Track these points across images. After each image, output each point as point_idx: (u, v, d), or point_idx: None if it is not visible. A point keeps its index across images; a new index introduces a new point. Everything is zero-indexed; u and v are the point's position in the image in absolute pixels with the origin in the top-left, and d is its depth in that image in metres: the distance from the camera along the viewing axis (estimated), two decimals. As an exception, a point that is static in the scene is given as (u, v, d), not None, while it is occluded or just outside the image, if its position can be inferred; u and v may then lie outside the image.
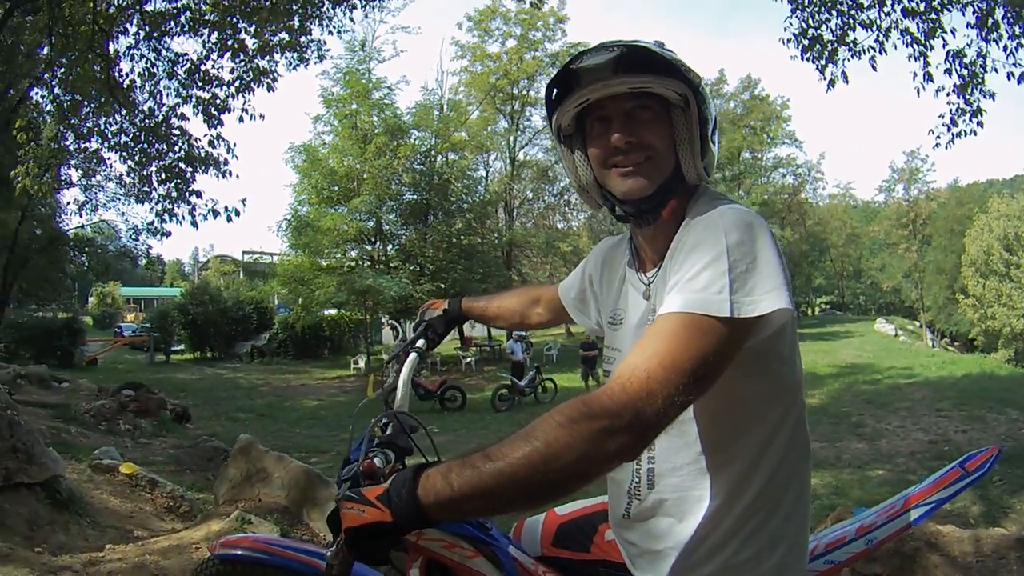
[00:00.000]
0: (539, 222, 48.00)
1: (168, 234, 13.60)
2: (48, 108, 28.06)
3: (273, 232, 41.31)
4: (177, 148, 12.64)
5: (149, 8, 12.16)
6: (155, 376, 30.65)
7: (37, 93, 19.44)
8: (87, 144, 14.63)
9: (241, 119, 12.31)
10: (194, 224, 12.93)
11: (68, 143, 14.52)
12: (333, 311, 41.08)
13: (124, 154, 12.92)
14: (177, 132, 12.54)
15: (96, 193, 33.64)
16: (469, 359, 35.35)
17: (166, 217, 13.06)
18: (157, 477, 8.69)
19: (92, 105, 12.53)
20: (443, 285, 34.87)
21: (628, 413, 1.51)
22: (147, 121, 12.50)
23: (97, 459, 8.98)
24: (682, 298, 1.65)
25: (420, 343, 3.13)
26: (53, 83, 12.90)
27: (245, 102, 12.31)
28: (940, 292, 64.09)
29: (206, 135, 12.46)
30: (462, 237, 36.94)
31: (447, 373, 31.69)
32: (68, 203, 34.85)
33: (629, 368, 1.57)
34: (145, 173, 12.85)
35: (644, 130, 1.91)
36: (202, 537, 6.06)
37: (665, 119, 1.92)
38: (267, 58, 12.18)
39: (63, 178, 30.90)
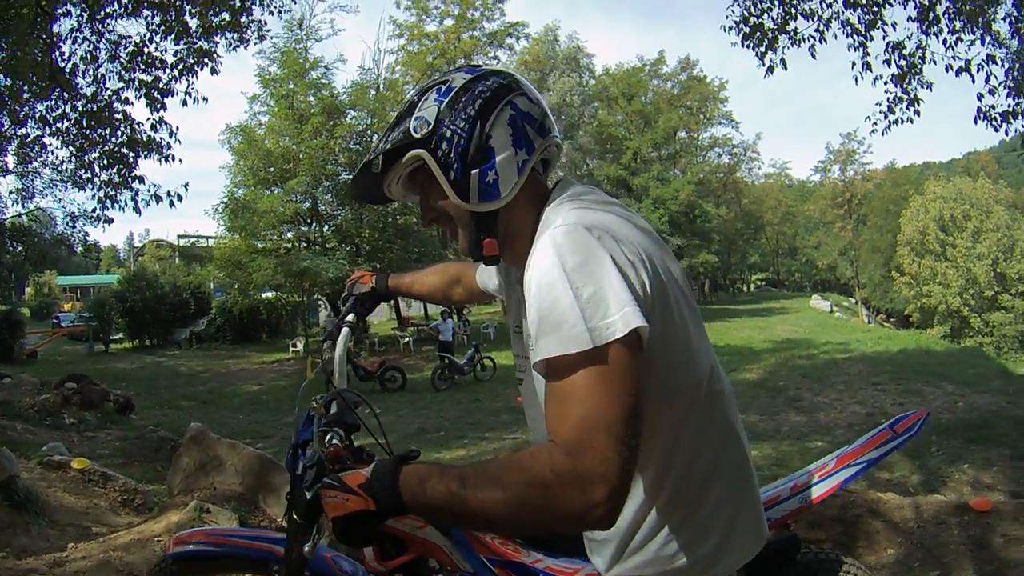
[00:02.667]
0: None
1: (111, 221, 13.53)
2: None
3: (209, 215, 40.97)
4: (120, 133, 12.53)
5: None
6: (96, 367, 30.24)
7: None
8: (24, 130, 14.45)
9: (185, 103, 12.25)
10: (136, 210, 12.86)
11: (4, 128, 14.38)
12: (270, 294, 40.67)
13: (65, 139, 12.85)
14: (120, 117, 12.43)
15: (33, 180, 33.28)
16: (407, 339, 35.46)
17: (108, 204, 13.03)
18: (109, 471, 8.64)
19: (33, 90, 12.43)
20: (379, 265, 34.60)
21: (597, 489, 1.54)
22: (89, 106, 12.38)
23: (47, 455, 9.05)
24: (546, 342, 1.65)
25: (351, 317, 3.24)
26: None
27: (189, 85, 12.30)
28: (876, 270, 65.24)
29: (149, 119, 12.37)
30: (398, 217, 36.66)
31: (386, 354, 31.66)
32: (4, 192, 34.38)
33: (575, 445, 1.57)
34: (87, 159, 12.79)
35: (427, 199, 2.05)
36: (163, 529, 6.09)
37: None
38: (210, 40, 12.17)
39: (-1, 165, 30.66)
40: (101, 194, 12.99)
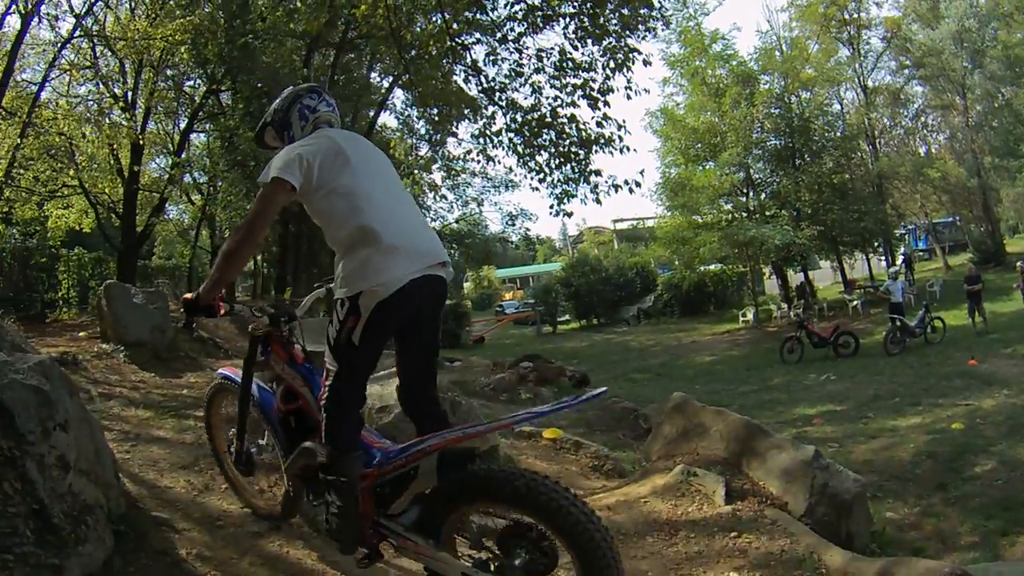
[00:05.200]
0: (901, 149, 44.98)
1: (570, 214, 14.24)
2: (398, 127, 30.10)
3: (646, 197, 41.72)
4: (567, 134, 13.08)
5: (495, 16, 12.77)
6: (545, 347, 31.83)
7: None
8: (445, 149, 15.53)
9: (629, 96, 12.63)
10: (597, 201, 13.43)
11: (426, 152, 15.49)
12: (714, 266, 40.88)
13: (510, 149, 13.55)
14: (564, 119, 12.97)
15: (464, 190, 35.97)
16: (855, 302, 33.73)
17: (566, 199, 13.62)
18: (581, 439, 9.25)
19: (463, 112, 13.31)
20: (821, 228, 33.83)
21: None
22: (530, 115, 13.04)
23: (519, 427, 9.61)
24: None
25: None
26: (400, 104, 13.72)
27: (628, 81, 12.62)
28: None
29: (592, 118, 12.83)
30: (833, 176, 35.50)
31: (834, 318, 30.46)
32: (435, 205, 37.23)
33: None
34: (533, 163, 13.43)
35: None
36: (648, 492, 6.30)
37: None
38: (632, 36, 12.41)
39: (423, 183, 33.42)
40: (558, 191, 13.56)
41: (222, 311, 4.02)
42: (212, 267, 3.92)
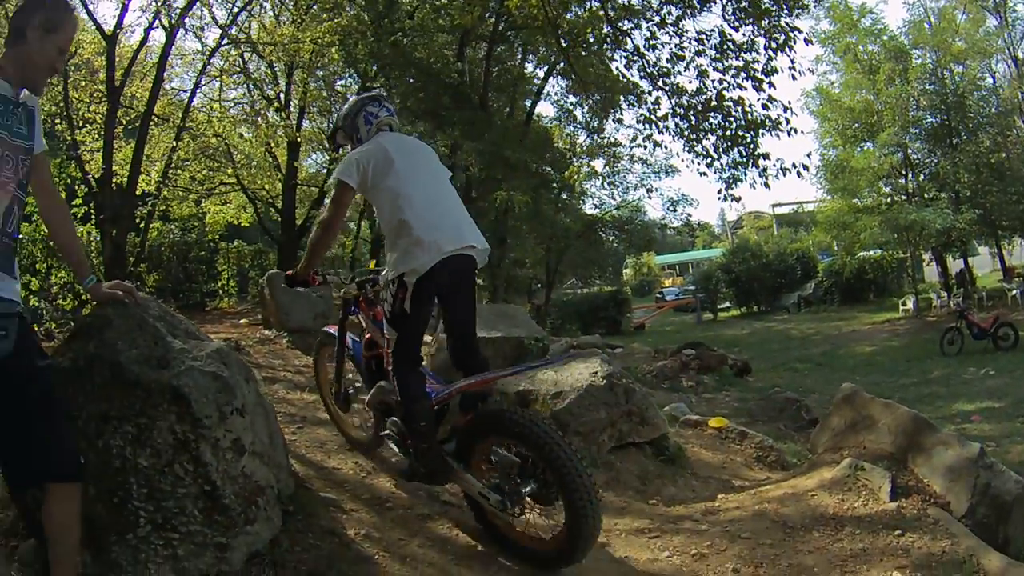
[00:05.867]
0: None
1: (738, 199, 13.93)
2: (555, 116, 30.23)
3: (808, 181, 40.92)
4: (734, 117, 12.86)
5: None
6: (705, 334, 31.59)
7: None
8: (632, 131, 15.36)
9: (794, 77, 12.39)
10: (766, 185, 13.17)
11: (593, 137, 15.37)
12: (874, 252, 39.66)
13: (680, 132, 13.36)
14: (730, 102, 12.75)
15: (625, 176, 35.86)
16: (1015, 291, 32.10)
17: (734, 183, 13.39)
18: (746, 429, 9.01)
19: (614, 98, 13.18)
20: (981, 211, 32.30)
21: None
22: (695, 99, 12.87)
23: (679, 414, 9.50)
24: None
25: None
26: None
27: (792, 61, 12.38)
28: None
29: (758, 99, 12.58)
30: (990, 156, 33.85)
31: (993, 308, 29.25)
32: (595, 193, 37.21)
33: None
34: (700, 148, 13.24)
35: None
36: (815, 484, 6.12)
37: None
38: (788, 15, 12.14)
39: (587, 171, 33.44)
40: (726, 175, 13.35)
41: (316, 282, 5.25)
42: (305, 251, 5.13)
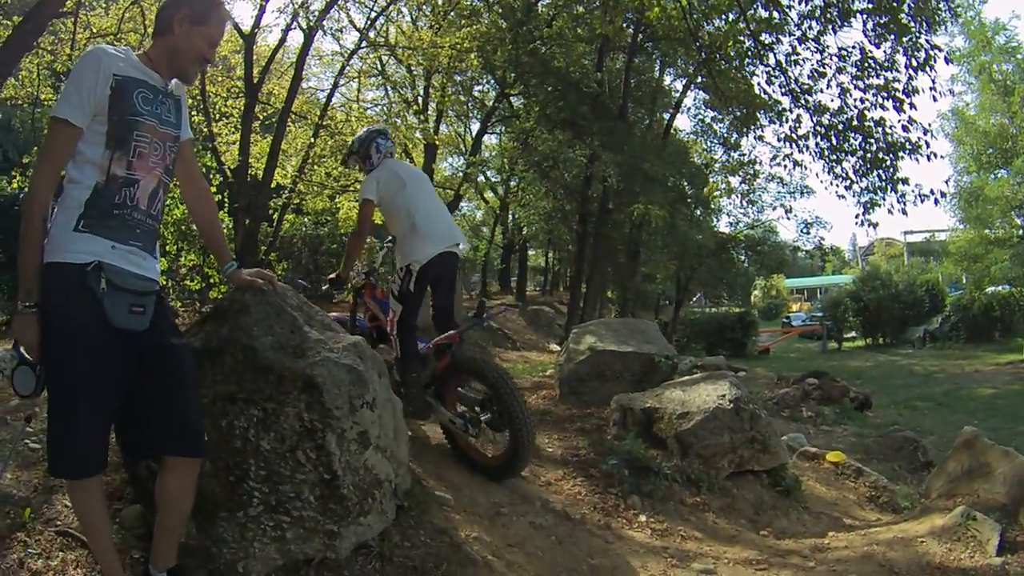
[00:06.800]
0: None
1: (875, 224, 13.59)
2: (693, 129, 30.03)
3: (942, 208, 39.76)
4: (875, 138, 12.58)
5: (792, 14, 12.43)
6: (828, 364, 30.76)
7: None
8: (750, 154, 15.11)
9: (935, 98, 12.10)
10: (904, 211, 12.87)
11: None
12: (1002, 288, 38.24)
13: (821, 152, 13.12)
14: (871, 123, 12.49)
15: (760, 195, 35.45)
16: None
17: (871, 208, 13.10)
18: (863, 467, 8.87)
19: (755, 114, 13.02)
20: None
21: None
22: (836, 118, 12.63)
23: (796, 445, 9.40)
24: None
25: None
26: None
27: (933, 81, 12.06)
28: None
29: (899, 121, 12.28)
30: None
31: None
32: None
33: None
34: (840, 169, 12.97)
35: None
36: (926, 531, 6.00)
37: None
38: (927, 32, 11.84)
39: (723, 188, 33.17)
40: (864, 199, 13.09)
41: (355, 281, 6.78)
42: (344, 257, 6.73)
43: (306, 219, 22.31)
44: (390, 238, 7.04)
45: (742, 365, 23.27)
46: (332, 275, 6.64)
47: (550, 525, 5.15)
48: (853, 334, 43.89)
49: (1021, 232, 33.43)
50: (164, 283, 10.96)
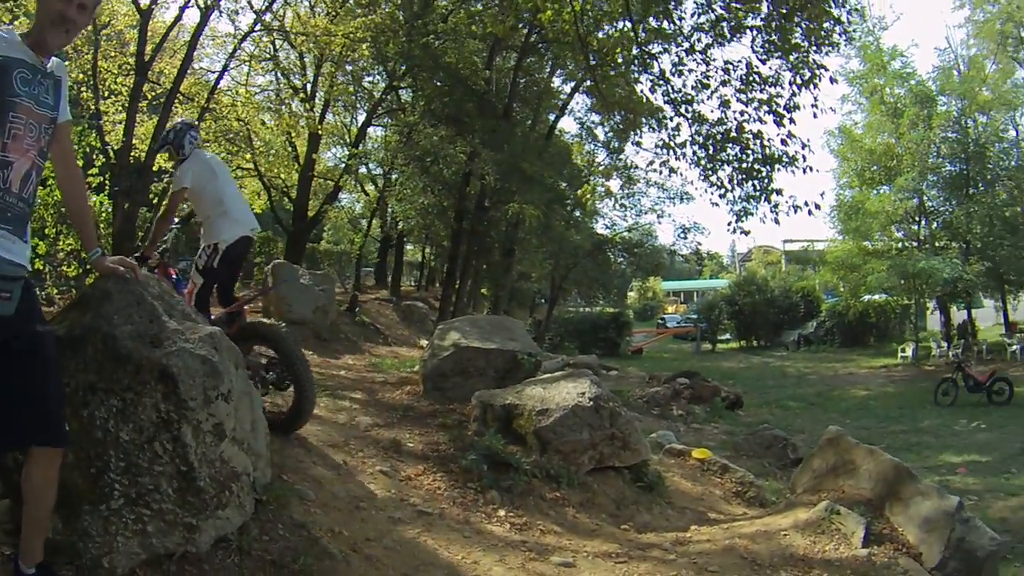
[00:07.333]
0: None
1: (747, 232, 13.85)
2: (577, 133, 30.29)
3: (821, 219, 40.86)
4: (752, 150, 12.81)
5: (682, 24, 12.63)
6: (702, 364, 31.50)
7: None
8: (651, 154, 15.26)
9: (815, 115, 12.34)
10: (776, 220, 13.13)
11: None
12: (878, 297, 39.51)
13: (697, 161, 13.33)
14: (750, 135, 12.71)
15: (639, 199, 36.04)
16: (1015, 347, 31.75)
17: (744, 216, 13.36)
18: (728, 463, 9.08)
19: (636, 120, 13.19)
20: (990, 264, 32.10)
21: None
22: (715, 128, 12.84)
23: (664, 442, 9.59)
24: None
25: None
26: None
27: (815, 98, 12.32)
28: None
29: (777, 135, 12.54)
30: (1005, 209, 33.57)
31: (992, 362, 28.89)
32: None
33: None
34: (715, 179, 13.19)
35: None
36: (789, 524, 6.19)
37: None
38: (817, 51, 12.11)
39: (601, 190, 33.54)
40: (738, 208, 13.34)
41: (152, 261, 6.75)
42: (150, 236, 6.99)
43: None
44: (178, 222, 8.06)
45: (615, 364, 23.64)
46: (137, 254, 6.64)
47: (409, 519, 5.16)
48: (727, 336, 45.08)
49: (900, 245, 34.70)
50: (41, 267, 10.69)
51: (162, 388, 3.73)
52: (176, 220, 7.79)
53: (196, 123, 7.50)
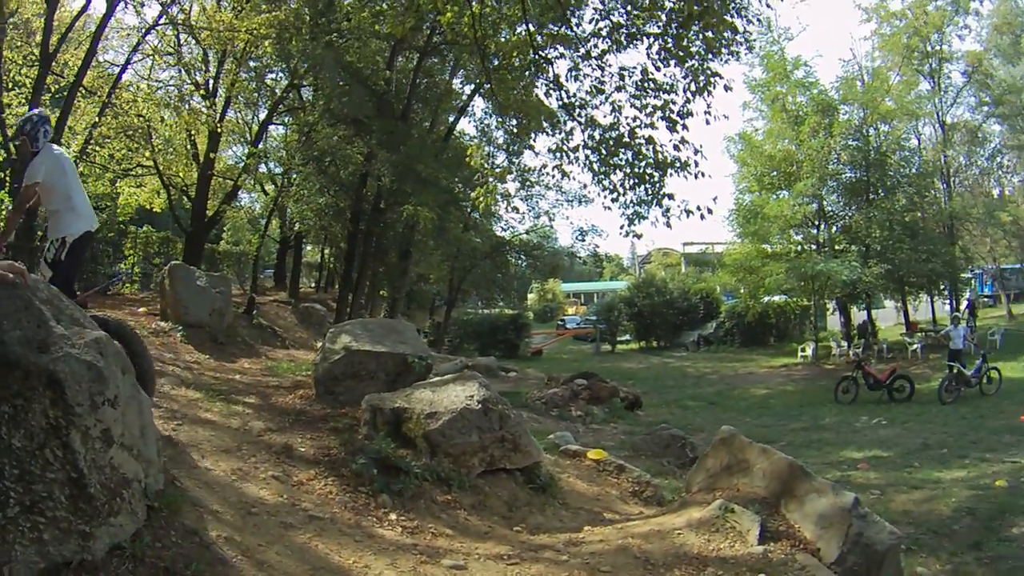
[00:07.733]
0: (975, 190, 43.69)
1: (639, 236, 14.03)
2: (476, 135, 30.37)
3: (720, 223, 41.50)
4: (644, 155, 12.95)
5: (580, 31, 12.77)
6: (601, 365, 31.71)
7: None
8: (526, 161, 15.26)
9: (708, 121, 12.49)
10: (668, 224, 13.29)
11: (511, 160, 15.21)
12: (778, 298, 40.29)
13: (586, 165, 13.45)
14: (642, 140, 12.85)
15: (537, 202, 36.29)
16: (915, 345, 32.50)
17: (637, 220, 13.51)
18: (624, 463, 9.21)
19: (532, 124, 13.30)
20: (889, 267, 32.65)
21: None
22: (608, 134, 12.96)
23: (562, 443, 9.72)
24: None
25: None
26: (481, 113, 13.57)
27: (708, 105, 12.52)
28: None
29: (670, 140, 12.70)
30: (905, 214, 34.74)
31: (894, 360, 29.82)
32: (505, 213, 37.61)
33: None
34: (609, 182, 13.31)
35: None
36: (683, 523, 6.26)
37: None
38: (715, 60, 12.31)
39: (498, 193, 33.66)
40: (630, 212, 13.48)
41: (3, 251, 6.99)
42: (4, 228, 7.65)
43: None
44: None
45: (514, 366, 23.71)
46: None
47: (301, 524, 5.17)
48: (627, 337, 45.43)
49: (799, 248, 35.58)
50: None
51: (50, 394, 3.72)
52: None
53: (49, 117, 7.86)
